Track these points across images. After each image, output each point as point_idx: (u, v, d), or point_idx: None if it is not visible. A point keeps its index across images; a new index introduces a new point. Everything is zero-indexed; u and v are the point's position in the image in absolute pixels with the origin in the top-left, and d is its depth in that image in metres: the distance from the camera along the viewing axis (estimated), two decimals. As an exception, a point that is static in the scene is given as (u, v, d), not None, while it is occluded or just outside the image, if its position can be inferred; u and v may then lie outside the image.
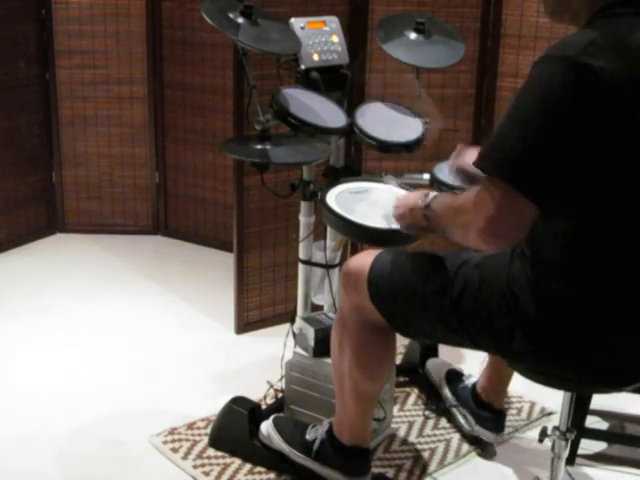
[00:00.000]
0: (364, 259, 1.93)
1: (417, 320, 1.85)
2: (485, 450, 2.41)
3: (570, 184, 1.50)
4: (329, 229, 2.37)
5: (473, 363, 2.55)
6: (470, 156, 1.98)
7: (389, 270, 1.88)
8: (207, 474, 2.27)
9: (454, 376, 2.55)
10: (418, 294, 1.81)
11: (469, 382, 2.48)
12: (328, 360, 2.24)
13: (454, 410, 2.49)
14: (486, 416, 2.37)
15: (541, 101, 1.46)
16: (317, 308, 2.51)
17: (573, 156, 1.47)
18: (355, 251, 2.66)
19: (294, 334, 2.45)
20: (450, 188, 2.30)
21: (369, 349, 1.97)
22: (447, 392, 2.52)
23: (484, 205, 1.51)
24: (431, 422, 2.55)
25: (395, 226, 2.03)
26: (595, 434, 2.41)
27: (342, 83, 2.44)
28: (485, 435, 2.38)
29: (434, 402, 2.60)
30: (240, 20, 2.16)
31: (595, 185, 1.50)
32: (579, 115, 1.44)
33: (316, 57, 2.36)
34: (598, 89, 1.43)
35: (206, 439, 2.40)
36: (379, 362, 2.00)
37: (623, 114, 1.46)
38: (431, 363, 2.66)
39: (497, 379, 2.35)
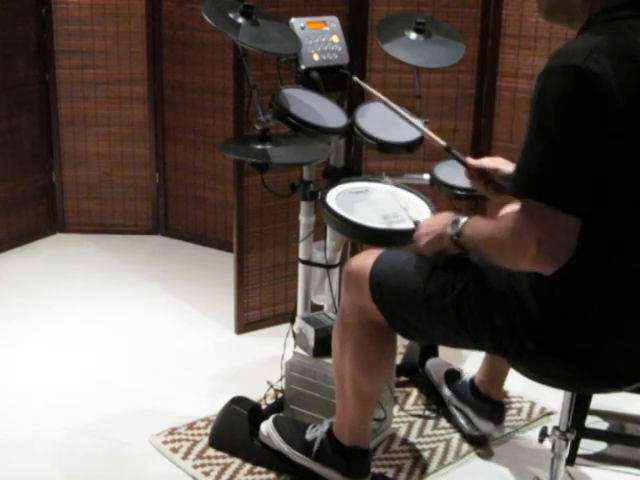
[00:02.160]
0: (366, 259, 1.93)
1: (418, 320, 1.85)
2: (485, 450, 2.40)
3: (600, 188, 1.50)
4: (329, 229, 2.37)
5: (473, 363, 2.55)
6: (491, 162, 1.99)
7: (391, 270, 1.88)
8: (207, 474, 2.27)
9: (453, 376, 2.56)
10: (419, 294, 1.81)
11: (467, 377, 2.48)
12: (328, 360, 2.24)
13: (454, 410, 2.49)
14: (485, 408, 2.38)
15: (557, 115, 1.46)
16: (317, 308, 2.51)
17: (597, 162, 1.47)
18: (355, 251, 2.66)
19: (294, 334, 2.45)
20: (450, 188, 2.30)
21: (370, 349, 1.97)
22: (446, 390, 2.53)
23: (529, 232, 1.50)
24: (431, 422, 2.55)
25: (395, 226, 2.04)
26: (595, 434, 2.41)
27: (342, 83, 2.44)
28: (485, 427, 2.38)
29: (434, 402, 2.61)
30: (240, 20, 2.16)
31: (603, 186, 1.50)
32: (594, 122, 1.45)
33: (316, 57, 2.36)
34: (606, 95, 1.43)
35: (206, 439, 2.40)
36: (380, 362, 2.01)
37: (632, 117, 1.46)
38: (431, 363, 2.66)
39: (494, 371, 2.36)
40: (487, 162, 2.03)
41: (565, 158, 1.46)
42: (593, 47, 1.45)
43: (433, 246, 1.81)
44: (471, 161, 2.04)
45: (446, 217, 1.79)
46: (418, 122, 2.17)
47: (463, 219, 1.73)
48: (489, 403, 2.39)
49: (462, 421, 2.45)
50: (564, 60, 1.46)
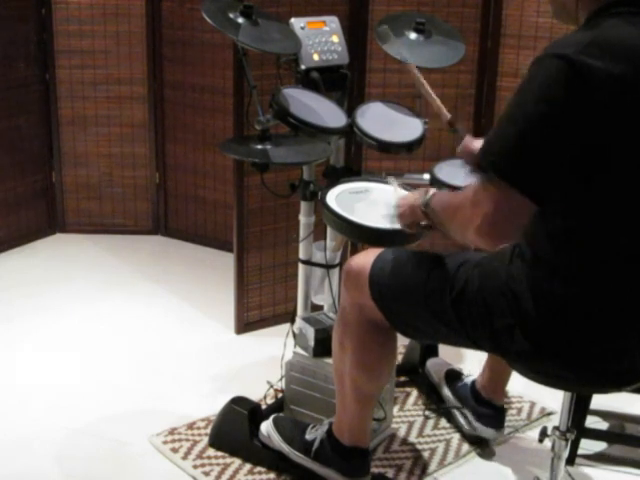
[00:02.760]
0: (366, 258, 1.93)
1: (417, 319, 1.85)
2: (485, 450, 2.40)
3: (567, 181, 1.50)
4: (329, 229, 2.37)
5: (473, 363, 2.55)
6: (477, 143, 2.02)
7: (390, 269, 1.88)
8: (207, 474, 2.27)
9: (453, 375, 2.56)
10: (418, 293, 1.81)
11: (468, 380, 2.48)
12: (328, 360, 2.24)
13: (454, 411, 2.49)
14: (486, 413, 2.38)
15: (539, 99, 1.47)
16: (317, 308, 2.51)
17: (570, 154, 1.47)
18: (355, 251, 2.66)
19: (294, 334, 2.45)
20: (450, 188, 2.30)
21: (370, 348, 1.97)
22: (447, 391, 2.52)
23: (481, 203, 1.51)
24: (431, 422, 2.55)
25: (396, 226, 2.03)
26: (595, 434, 2.41)
27: (342, 83, 2.44)
28: (485, 432, 2.38)
29: (434, 402, 2.61)
30: (240, 20, 2.16)
31: (593, 184, 1.50)
32: (576, 114, 1.45)
33: (316, 57, 2.36)
34: (596, 88, 1.43)
35: (206, 439, 2.40)
36: (379, 361, 2.01)
37: (621, 113, 1.46)
38: (431, 363, 2.66)
39: (496, 376, 2.36)
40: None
41: (536, 141, 1.47)
42: (588, 41, 1.46)
43: (406, 217, 1.88)
44: (467, 141, 2.05)
45: (420, 191, 1.86)
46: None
47: (433, 190, 1.80)
48: (490, 408, 2.38)
49: (462, 421, 2.45)
50: (558, 50, 1.47)
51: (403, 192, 2.21)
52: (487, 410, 2.38)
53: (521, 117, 1.49)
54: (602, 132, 1.46)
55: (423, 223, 1.84)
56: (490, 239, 1.53)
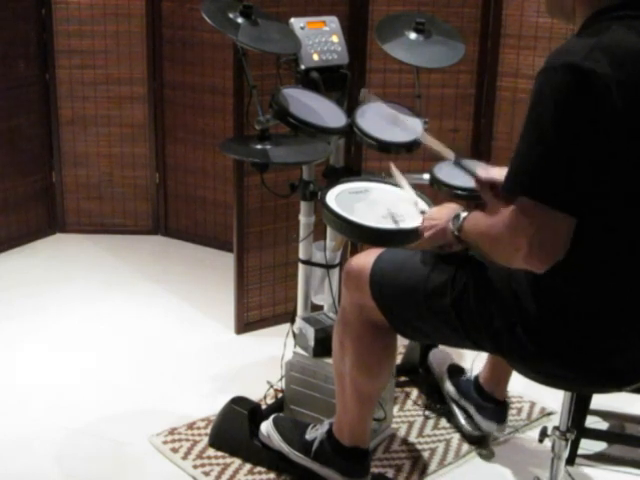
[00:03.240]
0: (366, 258, 1.93)
1: (418, 320, 1.85)
2: (485, 450, 2.40)
3: (595, 188, 1.50)
4: (329, 229, 2.37)
5: (473, 363, 2.55)
6: (495, 171, 1.97)
7: (391, 269, 1.88)
8: (207, 474, 2.27)
9: (456, 370, 2.56)
10: (419, 293, 1.81)
11: (471, 375, 2.48)
12: (328, 360, 2.24)
13: (454, 408, 2.49)
14: (488, 407, 2.38)
15: (554, 114, 1.46)
16: (317, 308, 2.51)
17: (593, 161, 1.47)
18: (355, 251, 2.66)
19: (294, 334, 2.45)
20: (450, 188, 2.30)
21: (370, 348, 1.97)
22: (449, 385, 2.52)
23: (522, 229, 1.50)
24: (431, 422, 2.55)
25: (395, 226, 2.03)
26: (595, 434, 2.41)
27: (342, 83, 2.44)
28: (487, 426, 2.38)
29: (434, 401, 2.61)
30: (240, 20, 2.16)
31: (597, 185, 1.50)
32: (591, 121, 1.45)
33: (316, 57, 2.36)
34: (604, 94, 1.43)
35: (206, 439, 2.40)
36: (380, 361, 2.01)
37: (628, 116, 1.46)
38: (433, 354, 2.65)
39: (499, 370, 2.35)
40: (497, 173, 2.01)
41: (560, 157, 1.46)
42: (592, 46, 1.46)
43: (436, 240, 1.83)
44: (481, 173, 2.03)
45: (449, 210, 1.81)
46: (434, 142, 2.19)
47: (464, 214, 1.75)
48: (493, 402, 2.38)
49: (462, 421, 2.45)
50: (563, 59, 1.46)
51: (403, 192, 2.21)
52: (489, 404, 2.38)
53: (541, 135, 1.48)
54: (609, 135, 1.46)
55: (456, 247, 1.80)
56: (541, 262, 1.51)
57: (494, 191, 2.00)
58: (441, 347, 2.71)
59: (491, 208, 1.86)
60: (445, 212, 1.84)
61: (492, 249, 1.63)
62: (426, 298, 1.80)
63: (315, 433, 2.18)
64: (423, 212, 1.95)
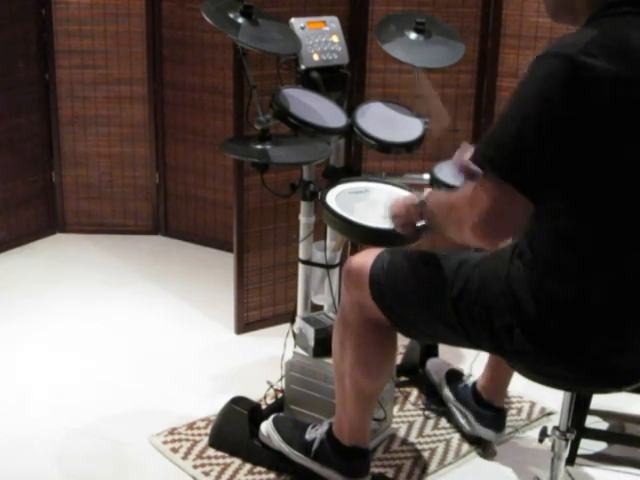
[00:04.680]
0: (366, 257, 1.93)
1: (417, 319, 1.85)
2: (485, 450, 2.40)
3: (565, 180, 1.50)
4: (329, 229, 2.37)
5: (473, 363, 2.55)
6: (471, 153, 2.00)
7: (391, 269, 1.88)
8: (207, 474, 2.27)
9: (454, 376, 2.56)
10: (418, 293, 1.81)
11: (469, 382, 2.48)
12: (328, 360, 2.24)
13: (454, 410, 2.49)
14: (487, 414, 2.38)
15: (539, 98, 1.47)
16: (317, 308, 2.51)
17: (569, 153, 1.47)
18: (355, 251, 2.66)
19: (294, 334, 2.45)
20: (450, 188, 2.29)
21: (370, 348, 1.97)
22: (447, 392, 2.52)
23: (479, 201, 1.52)
24: (431, 422, 2.55)
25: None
26: (595, 434, 2.41)
27: (342, 83, 2.44)
28: (486, 434, 2.38)
29: (434, 402, 2.61)
30: (240, 20, 2.16)
31: (592, 183, 1.50)
32: (575, 113, 1.45)
33: (316, 57, 2.36)
34: (597, 88, 1.43)
35: (206, 439, 2.40)
36: (380, 361, 2.01)
37: (621, 113, 1.46)
38: (431, 363, 2.66)
39: (497, 378, 2.36)
40: None
41: (533, 138, 1.47)
42: (589, 40, 1.46)
43: (401, 217, 1.88)
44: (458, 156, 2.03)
45: (416, 192, 1.89)
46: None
47: (429, 190, 1.82)
48: (491, 410, 2.38)
49: (462, 421, 2.45)
50: (559, 49, 1.47)
51: (402, 191, 2.22)
52: (488, 412, 2.38)
53: (519, 115, 1.49)
54: (601, 131, 1.46)
55: (419, 224, 1.84)
56: (486, 237, 1.53)
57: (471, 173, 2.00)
58: (440, 352, 2.71)
59: None
60: (413, 193, 1.93)
61: (447, 218, 1.67)
62: (426, 298, 1.80)
63: (315, 433, 2.18)
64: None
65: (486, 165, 1.52)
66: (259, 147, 2.13)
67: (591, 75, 1.43)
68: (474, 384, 2.44)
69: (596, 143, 1.47)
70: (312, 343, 2.34)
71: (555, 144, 1.47)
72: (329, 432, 2.15)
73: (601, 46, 1.45)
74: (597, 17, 1.54)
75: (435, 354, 2.72)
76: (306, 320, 2.40)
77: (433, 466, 2.34)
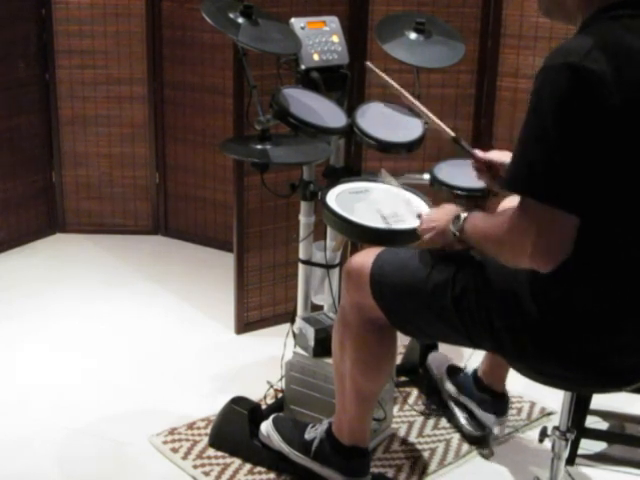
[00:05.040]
0: (366, 257, 1.93)
1: (418, 318, 1.85)
2: (487, 450, 2.40)
3: (597, 187, 1.50)
4: (329, 229, 2.37)
5: (473, 363, 2.55)
6: (494, 153, 2.01)
7: (391, 268, 1.88)
8: (207, 474, 2.27)
9: (455, 370, 2.56)
10: (419, 292, 1.81)
11: (469, 370, 2.48)
12: (328, 360, 2.24)
13: (454, 408, 2.49)
14: (488, 399, 2.38)
15: (554, 113, 1.46)
16: (317, 308, 2.51)
17: (594, 160, 1.47)
18: (355, 251, 2.65)
19: (294, 334, 2.45)
20: (450, 188, 2.30)
21: (370, 347, 1.97)
22: (448, 384, 2.53)
23: (525, 230, 1.50)
24: (431, 422, 2.55)
25: (395, 226, 2.03)
26: (595, 434, 2.41)
27: (342, 83, 2.44)
28: (487, 419, 2.38)
29: (434, 402, 2.61)
30: (240, 20, 2.16)
31: (603, 184, 1.50)
32: (590, 120, 1.45)
33: (316, 57, 2.36)
34: (603, 93, 1.43)
35: (206, 439, 2.40)
36: (380, 361, 2.01)
37: (630, 115, 1.46)
38: (432, 357, 2.66)
39: (497, 362, 2.35)
40: (495, 155, 2.05)
41: (560, 156, 1.46)
42: (591, 46, 1.45)
43: (436, 242, 1.84)
44: (479, 154, 2.06)
45: (448, 212, 1.81)
46: (427, 112, 2.20)
47: (464, 214, 1.75)
48: (492, 394, 2.39)
49: (463, 421, 2.45)
50: (561, 59, 1.46)
51: (402, 191, 2.21)
52: (488, 397, 2.38)
53: (541, 134, 1.48)
54: (612, 135, 1.46)
55: (457, 247, 1.80)
56: (547, 262, 1.51)
57: (492, 172, 2.03)
58: (440, 350, 2.71)
59: (492, 201, 1.88)
60: (443, 213, 1.85)
61: (496, 250, 1.64)
62: (426, 297, 1.80)
63: (314, 433, 2.18)
64: (419, 215, 1.95)
65: (523, 192, 1.51)
66: (259, 147, 2.12)
67: (597, 81, 1.43)
68: (475, 371, 2.45)
69: (605, 145, 1.47)
70: (312, 343, 2.34)
71: (582, 154, 1.46)
72: (329, 431, 2.15)
73: (604, 51, 1.45)
74: (597, 19, 1.54)
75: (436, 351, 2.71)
76: (306, 320, 2.40)
77: (433, 466, 2.34)
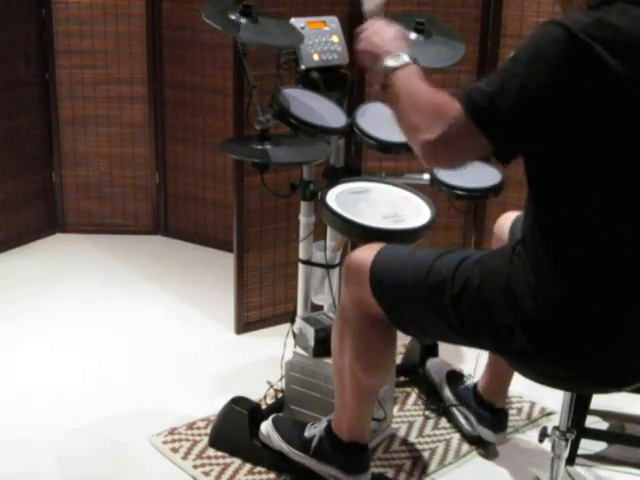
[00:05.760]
0: (366, 253, 1.93)
1: (417, 316, 1.85)
2: (486, 450, 2.40)
3: (538, 147, 1.53)
4: (329, 229, 2.37)
5: (473, 363, 2.55)
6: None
7: (391, 265, 1.88)
8: (207, 474, 2.27)
9: (455, 377, 2.55)
10: (418, 290, 1.81)
11: (470, 383, 2.48)
12: (328, 360, 2.24)
13: (454, 410, 2.49)
14: (487, 416, 2.38)
15: (533, 58, 1.50)
16: (317, 308, 2.51)
17: (549, 119, 1.49)
18: (355, 251, 2.66)
19: (294, 334, 2.45)
20: (450, 188, 2.30)
21: (369, 343, 1.97)
22: (448, 393, 2.52)
23: (444, 119, 1.53)
24: (431, 422, 2.55)
25: (395, 226, 2.04)
26: (595, 434, 2.41)
27: (342, 83, 2.44)
28: (486, 434, 2.38)
29: (434, 402, 2.61)
30: (240, 20, 2.17)
31: (590, 177, 1.51)
32: (566, 85, 1.47)
33: (316, 57, 2.36)
34: (591, 69, 1.46)
35: (206, 439, 2.40)
36: (379, 356, 2.00)
37: (618, 98, 1.47)
38: (431, 363, 2.66)
39: (497, 379, 2.36)
40: None
41: (515, 93, 1.48)
42: (593, 21, 1.48)
43: (366, 59, 1.77)
44: None
45: (395, 41, 1.73)
46: None
47: (407, 58, 1.68)
48: (492, 411, 2.38)
49: (462, 421, 2.45)
50: (566, 21, 1.49)
51: (402, 191, 2.21)
52: (488, 413, 2.37)
53: (511, 69, 1.52)
54: (592, 112, 1.47)
55: (379, 80, 1.72)
56: (430, 156, 1.56)
57: None
58: (440, 351, 2.71)
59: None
60: (391, 39, 1.74)
61: (408, 111, 1.62)
62: (426, 295, 1.80)
63: (314, 430, 2.18)
64: (366, 19, 1.81)
65: (471, 104, 1.52)
66: (259, 147, 2.13)
67: (589, 55, 1.45)
68: (475, 385, 2.44)
69: (585, 121, 1.48)
70: (312, 343, 2.34)
71: (536, 104, 1.49)
72: (328, 429, 2.15)
73: (602, 29, 1.47)
74: (599, 5, 1.55)
75: (435, 354, 2.71)
76: (306, 320, 2.40)
77: (433, 466, 2.34)
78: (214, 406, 2.46)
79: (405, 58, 1.68)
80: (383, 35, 1.76)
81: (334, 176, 2.36)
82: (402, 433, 2.49)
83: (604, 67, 1.45)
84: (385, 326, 1.95)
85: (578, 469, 2.33)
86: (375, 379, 2.04)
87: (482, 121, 1.51)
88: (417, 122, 1.58)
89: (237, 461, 2.32)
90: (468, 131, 1.52)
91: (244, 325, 3.13)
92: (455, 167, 1.57)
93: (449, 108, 1.54)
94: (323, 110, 2.29)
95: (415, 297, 1.82)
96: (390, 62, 1.68)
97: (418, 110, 1.60)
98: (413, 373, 2.74)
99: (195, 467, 2.29)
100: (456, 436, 2.47)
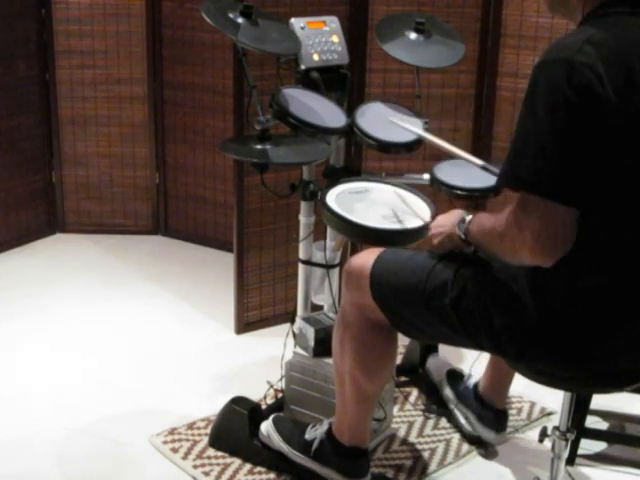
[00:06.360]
0: (366, 257, 1.93)
1: (419, 319, 1.85)
2: (486, 450, 2.40)
3: (595, 178, 1.50)
4: (329, 229, 2.37)
5: (474, 363, 2.55)
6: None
7: (391, 269, 1.88)
8: (207, 474, 2.27)
9: (455, 376, 2.56)
10: (419, 293, 1.81)
11: (470, 382, 2.48)
12: (328, 360, 2.24)
13: (455, 410, 2.49)
14: (488, 416, 2.38)
15: (548, 106, 1.47)
16: (317, 308, 2.51)
17: (589, 151, 1.48)
18: (355, 251, 2.65)
19: (294, 334, 2.45)
20: (450, 188, 2.29)
21: (370, 348, 1.97)
22: (448, 392, 2.52)
23: (526, 224, 1.51)
24: (431, 422, 2.55)
25: (395, 226, 2.03)
26: (595, 434, 2.41)
27: (342, 83, 2.44)
28: (487, 434, 2.38)
29: (434, 402, 2.61)
30: (240, 20, 2.16)
31: (602, 177, 1.50)
32: (584, 111, 1.45)
33: (316, 57, 2.36)
34: (596, 87, 1.44)
35: (206, 439, 2.40)
36: (380, 361, 2.01)
37: (622, 110, 1.46)
38: (432, 362, 2.66)
39: (498, 379, 2.36)
40: None
41: (556, 148, 1.47)
42: (584, 40, 1.47)
43: (445, 245, 1.88)
44: None
45: (454, 216, 1.86)
46: (475, 160, 2.17)
47: (469, 217, 1.79)
48: (493, 411, 2.38)
49: (462, 421, 2.45)
50: (556, 54, 1.48)
51: (402, 191, 2.21)
52: (489, 413, 2.37)
53: (536, 129, 1.49)
54: (607, 127, 1.46)
55: (466, 249, 1.84)
56: (547, 256, 1.52)
57: None
58: (440, 352, 2.71)
59: (492, 201, 1.88)
60: (449, 217, 1.89)
61: (499, 247, 1.64)
62: (426, 298, 1.80)
63: (315, 433, 2.18)
64: (427, 225, 1.98)
65: (521, 187, 1.51)
66: (259, 147, 2.12)
67: (590, 74, 1.44)
68: (475, 385, 2.44)
69: (600, 137, 1.47)
70: (312, 343, 2.34)
71: (578, 147, 1.47)
72: (329, 432, 2.15)
73: (597, 46, 1.46)
74: (593, 16, 1.55)
75: (435, 352, 2.71)
76: (306, 320, 2.40)
77: (433, 466, 2.34)
78: (214, 406, 2.46)
79: (466, 217, 1.81)
80: (441, 221, 1.94)
81: (334, 176, 2.36)
82: (402, 433, 2.49)
83: (602, 84, 1.45)
84: (386, 331, 1.95)
85: (578, 469, 2.33)
86: (376, 383, 2.04)
87: (546, 191, 1.48)
88: (511, 246, 1.57)
89: (237, 461, 2.32)
90: (546, 210, 1.48)
91: (244, 325, 3.13)
92: (570, 245, 1.53)
93: (515, 214, 1.53)
94: (323, 110, 2.29)
95: (416, 300, 1.82)
96: (459, 230, 1.82)
97: (503, 238, 1.59)
98: (413, 373, 2.74)
99: (195, 467, 2.29)
100: (456, 436, 2.47)
